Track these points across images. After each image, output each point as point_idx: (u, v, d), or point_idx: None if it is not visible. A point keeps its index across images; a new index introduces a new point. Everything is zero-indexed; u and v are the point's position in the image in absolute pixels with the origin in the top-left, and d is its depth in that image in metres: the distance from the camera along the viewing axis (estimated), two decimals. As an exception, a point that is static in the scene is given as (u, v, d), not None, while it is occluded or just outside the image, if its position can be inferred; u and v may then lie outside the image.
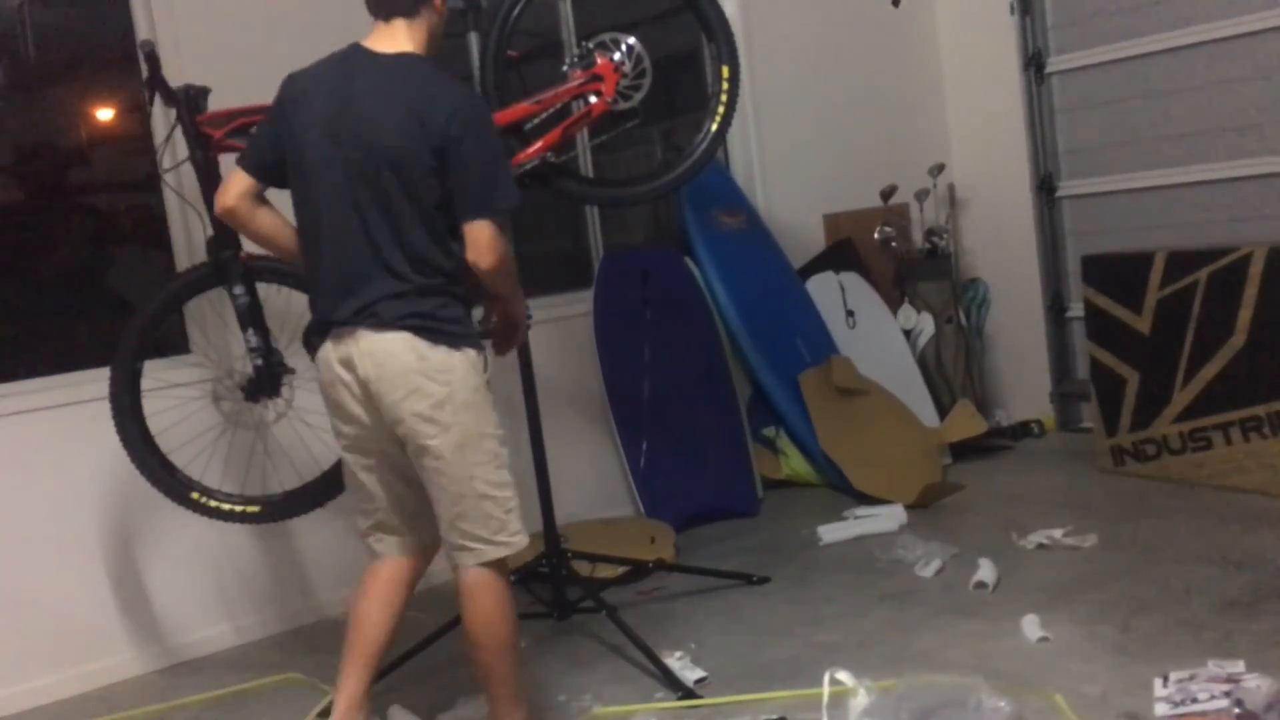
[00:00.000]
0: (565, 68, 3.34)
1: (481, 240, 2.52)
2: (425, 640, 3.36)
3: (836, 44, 5.56)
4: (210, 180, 3.09)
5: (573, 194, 3.52)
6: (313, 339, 2.66)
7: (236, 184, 2.66)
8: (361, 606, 2.73)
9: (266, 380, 3.15)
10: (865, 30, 5.66)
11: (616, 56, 3.29)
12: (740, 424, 4.84)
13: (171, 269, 3.90)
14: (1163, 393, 4.45)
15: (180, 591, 3.79)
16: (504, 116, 3.20)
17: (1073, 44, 5.32)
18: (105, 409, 3.68)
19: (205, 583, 3.84)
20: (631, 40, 3.30)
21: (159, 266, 3.94)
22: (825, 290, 5.31)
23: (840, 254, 5.45)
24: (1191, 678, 2.69)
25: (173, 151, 3.46)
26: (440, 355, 2.50)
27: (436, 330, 2.51)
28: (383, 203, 2.51)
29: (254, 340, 3.13)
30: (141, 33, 3.79)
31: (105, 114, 4.07)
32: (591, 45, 3.32)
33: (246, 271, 3.16)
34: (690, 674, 3.09)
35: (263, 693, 3.41)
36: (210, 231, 3.14)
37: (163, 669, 3.71)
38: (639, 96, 3.32)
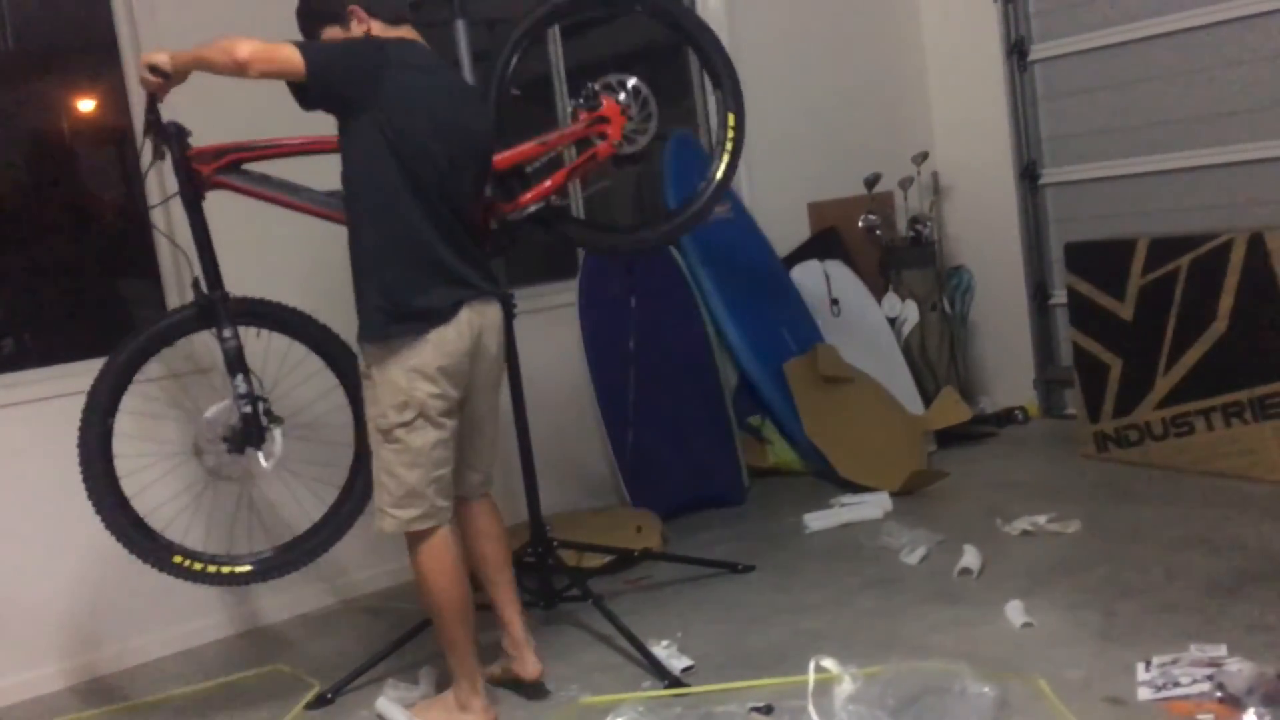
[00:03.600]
0: (570, 107, 3.28)
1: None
2: (411, 631, 3.35)
3: (820, 32, 5.56)
4: (199, 217, 3.04)
5: (574, 239, 3.45)
6: (395, 326, 2.70)
7: (285, 63, 2.63)
8: (458, 572, 2.85)
9: (255, 429, 3.01)
10: (849, 19, 5.66)
11: (622, 98, 3.23)
12: (726, 413, 4.85)
13: (154, 263, 3.89)
14: (1145, 379, 4.47)
15: (164, 586, 3.77)
16: (507, 159, 3.14)
17: (1055, 31, 5.33)
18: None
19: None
20: (636, 81, 3.24)
21: (142, 260, 3.93)
22: (810, 278, 5.31)
23: (825, 242, 5.45)
24: (1174, 662, 2.71)
25: (160, 183, 3.44)
26: None
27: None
28: (468, 189, 2.83)
29: (243, 386, 2.99)
30: (121, 28, 3.77)
31: (86, 105, 4.05)
32: (597, 86, 3.25)
33: (236, 314, 3.05)
34: (677, 662, 3.09)
35: (248, 685, 3.41)
36: (198, 271, 3.04)
37: (147, 662, 3.71)
38: (644, 140, 3.26)
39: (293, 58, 2.61)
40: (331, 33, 2.81)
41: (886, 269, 5.51)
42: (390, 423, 2.73)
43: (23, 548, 3.56)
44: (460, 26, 3.41)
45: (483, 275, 2.87)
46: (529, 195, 3.18)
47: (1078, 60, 5.26)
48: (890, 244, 5.53)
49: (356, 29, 2.78)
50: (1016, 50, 5.43)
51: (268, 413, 3.03)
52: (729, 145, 3.47)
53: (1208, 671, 2.61)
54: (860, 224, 5.50)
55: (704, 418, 4.78)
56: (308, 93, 2.67)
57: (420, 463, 2.75)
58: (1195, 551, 3.51)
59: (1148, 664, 2.73)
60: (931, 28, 5.84)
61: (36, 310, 3.89)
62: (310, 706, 3.16)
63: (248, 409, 2.99)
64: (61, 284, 3.97)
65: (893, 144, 5.63)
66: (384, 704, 3.01)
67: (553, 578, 3.58)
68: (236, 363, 3.00)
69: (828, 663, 2.68)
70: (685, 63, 5.36)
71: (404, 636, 3.34)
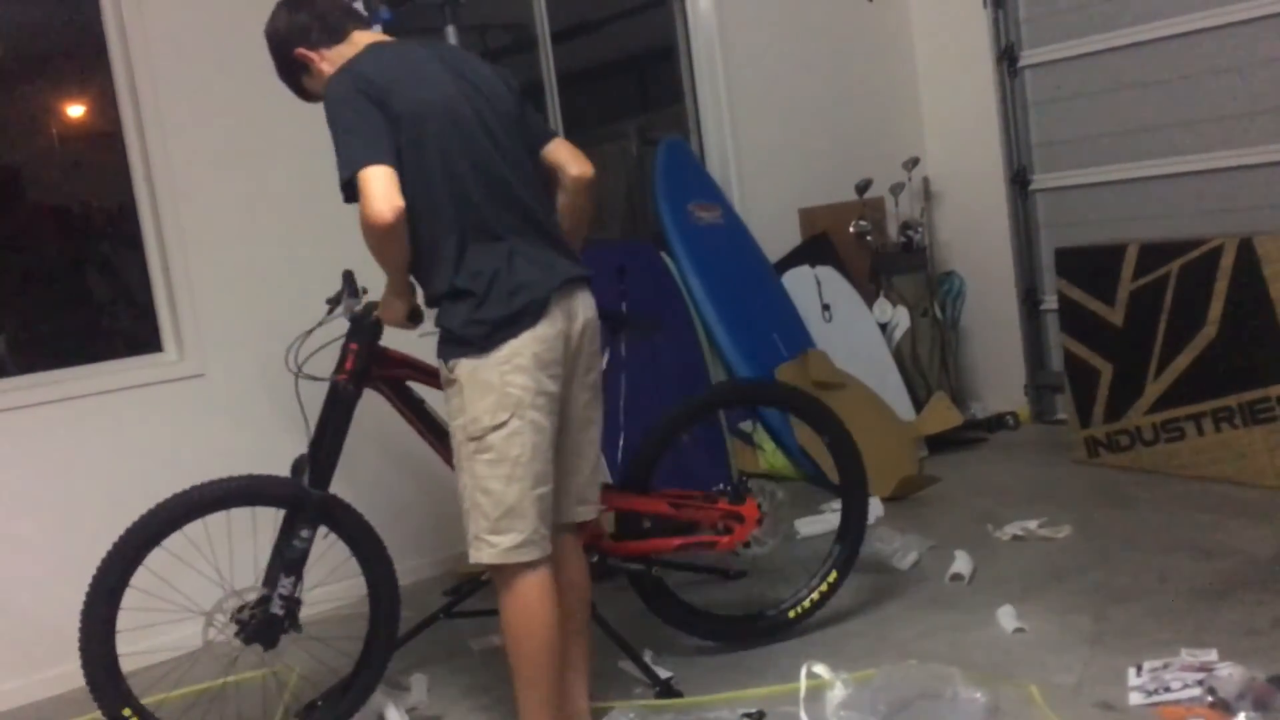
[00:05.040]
0: (715, 488, 3.23)
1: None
2: (403, 638, 3.34)
3: (811, 39, 5.57)
4: (347, 411, 2.83)
5: (671, 619, 3.25)
6: (508, 330, 2.45)
7: (389, 179, 2.34)
8: (555, 619, 2.54)
9: (274, 633, 2.81)
10: (840, 25, 5.67)
11: (765, 505, 3.22)
12: (717, 418, 4.84)
13: (144, 269, 3.88)
14: (1135, 384, 4.48)
15: (155, 592, 3.75)
16: (637, 503, 3.07)
17: (1045, 38, 5.35)
18: (84, 408, 3.66)
19: (176, 584, 3.80)
20: (782, 493, 3.28)
21: (134, 265, 3.92)
22: (801, 284, 5.31)
23: (816, 248, 5.46)
24: (1165, 667, 2.71)
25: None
26: None
27: None
28: (522, 163, 2.60)
29: (288, 589, 2.78)
30: (110, 32, 3.76)
31: (75, 109, 4.04)
32: (750, 483, 3.24)
33: (328, 518, 2.83)
34: (663, 671, 3.08)
35: (235, 690, 3.39)
36: (307, 450, 2.82)
37: (139, 669, 3.68)
38: (758, 550, 3.23)
39: (382, 173, 2.35)
40: (308, 83, 2.67)
41: (877, 274, 5.52)
42: (483, 427, 2.44)
43: (14, 554, 3.56)
44: (450, 33, 3.41)
45: (564, 255, 2.60)
46: (641, 546, 3.16)
47: (1068, 66, 5.28)
48: (881, 249, 5.54)
49: (321, 67, 2.59)
50: (1007, 56, 5.44)
51: (291, 617, 2.82)
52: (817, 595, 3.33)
53: (1199, 676, 2.61)
54: (851, 229, 5.51)
55: (702, 444, 4.76)
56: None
57: (519, 475, 2.44)
58: (1186, 556, 3.52)
59: (1139, 669, 2.73)
60: (922, 34, 5.85)
61: (23, 316, 3.87)
62: (300, 716, 3.14)
63: (279, 611, 2.79)
64: (49, 290, 3.95)
65: (884, 150, 5.64)
66: (391, 711, 3.00)
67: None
68: (296, 565, 2.80)
69: (819, 669, 2.69)
70: (676, 68, 5.37)
71: (396, 643, 3.32)
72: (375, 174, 2.32)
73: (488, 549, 2.47)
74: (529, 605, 2.48)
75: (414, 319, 2.70)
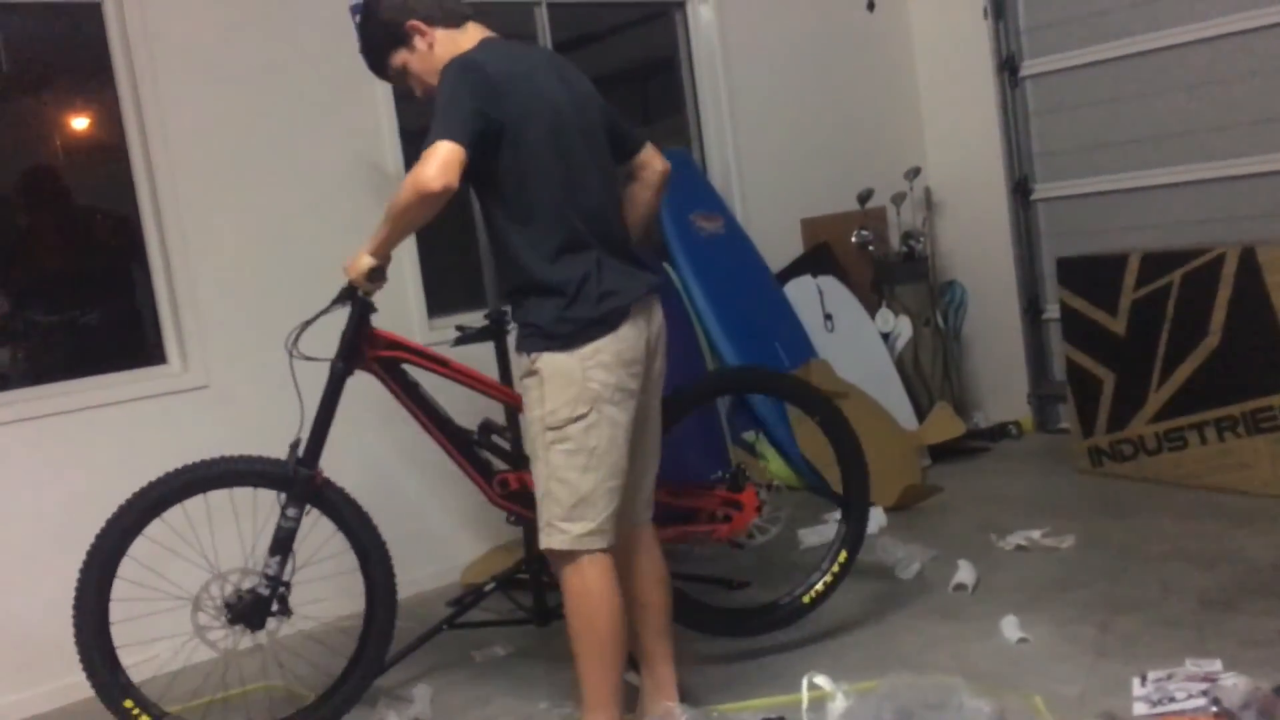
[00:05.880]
0: (713, 476, 3.22)
1: None
2: (409, 646, 3.34)
3: (812, 49, 5.58)
4: (337, 391, 2.88)
5: (681, 618, 3.14)
6: (595, 331, 2.53)
7: (455, 159, 2.39)
8: (620, 606, 2.61)
9: (261, 614, 2.84)
10: (840, 35, 5.68)
11: (764, 493, 3.20)
12: (720, 428, 4.84)
13: (146, 276, 3.89)
14: (1138, 393, 4.48)
15: (155, 604, 3.75)
16: None
17: (1046, 48, 5.36)
18: (88, 419, 3.65)
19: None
20: (779, 482, 3.28)
21: (138, 276, 3.93)
22: (803, 294, 5.32)
23: (818, 258, 5.46)
24: (1169, 677, 2.71)
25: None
26: None
27: None
28: (609, 176, 2.71)
29: (274, 568, 2.82)
30: (115, 46, 3.78)
31: (80, 123, 4.05)
32: (747, 471, 3.22)
33: (314, 496, 2.88)
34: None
35: (241, 701, 3.39)
36: (305, 435, 2.86)
37: (141, 681, 3.67)
38: (761, 539, 3.21)
39: (452, 150, 2.39)
40: (399, 58, 2.68)
41: (880, 284, 5.52)
42: (562, 418, 2.51)
43: (18, 565, 3.56)
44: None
45: (642, 267, 2.71)
46: None
47: (1069, 76, 5.29)
48: (883, 259, 5.54)
49: (421, 44, 2.64)
50: (1008, 66, 5.45)
51: (282, 601, 2.86)
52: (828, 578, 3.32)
53: (1203, 686, 2.61)
54: (853, 239, 5.52)
55: (698, 433, 4.77)
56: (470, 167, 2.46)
57: (595, 465, 2.53)
58: (1190, 566, 3.51)
59: (1143, 679, 2.72)
60: (923, 44, 5.87)
61: (29, 328, 3.88)
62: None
63: (265, 592, 2.82)
64: (55, 302, 3.96)
65: (885, 160, 5.65)
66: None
67: (547, 594, 3.57)
68: (283, 544, 2.83)
69: (821, 679, 2.68)
70: (677, 78, 5.38)
71: (399, 653, 3.33)
72: (446, 148, 2.38)
73: (559, 535, 2.55)
74: (597, 591, 2.56)
75: (372, 278, 2.74)
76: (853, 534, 3.29)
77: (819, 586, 3.26)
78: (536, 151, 2.53)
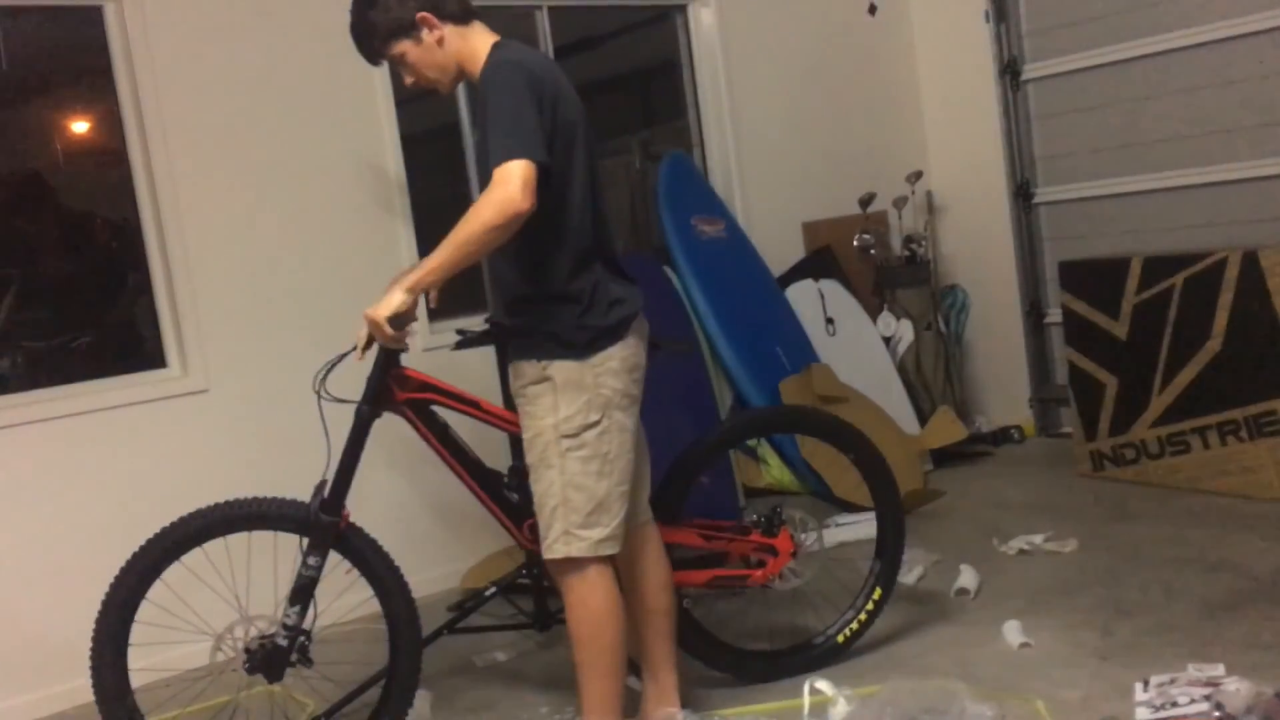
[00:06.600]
0: (748, 520, 3.15)
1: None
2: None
3: (814, 52, 5.58)
4: (363, 434, 2.76)
5: (709, 659, 3.15)
6: (606, 339, 2.56)
7: (531, 178, 2.35)
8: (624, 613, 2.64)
9: (279, 665, 2.74)
10: (842, 39, 5.68)
11: (799, 537, 3.14)
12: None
13: (146, 279, 3.89)
14: (1140, 397, 4.47)
15: (159, 610, 3.75)
16: (666, 534, 2.93)
17: (1048, 51, 5.36)
18: (88, 424, 3.63)
19: (182, 600, 3.80)
20: (820, 531, 3.22)
21: (139, 281, 3.93)
22: (805, 298, 5.31)
23: (819, 262, 5.46)
24: (1172, 682, 2.70)
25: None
26: None
27: None
28: (603, 189, 2.71)
29: (294, 618, 2.71)
30: (115, 49, 3.78)
31: (80, 126, 4.05)
32: (783, 514, 3.14)
33: (338, 543, 2.76)
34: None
35: (240, 707, 3.38)
36: (329, 478, 2.75)
37: (144, 685, 3.67)
38: (794, 582, 3.15)
39: (532, 170, 2.35)
40: (399, 47, 2.58)
41: (881, 288, 5.52)
42: (578, 425, 2.52)
43: (20, 569, 3.55)
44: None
45: (629, 277, 2.74)
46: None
47: (1070, 80, 5.28)
48: (885, 263, 5.54)
49: (428, 37, 2.56)
50: (1009, 70, 5.45)
51: (303, 651, 2.75)
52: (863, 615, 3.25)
53: (1205, 691, 2.60)
54: (855, 243, 5.51)
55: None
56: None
57: (609, 471, 2.55)
58: (1192, 570, 3.50)
59: (1145, 684, 2.72)
60: (925, 48, 5.86)
61: (30, 332, 3.87)
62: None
63: (284, 642, 2.72)
64: (54, 306, 3.96)
65: (887, 164, 5.65)
66: None
67: (548, 599, 3.56)
68: (304, 592, 2.72)
69: (822, 684, 2.68)
70: (678, 82, 5.38)
71: (417, 677, 3.31)
72: (526, 168, 2.34)
73: (578, 543, 2.54)
74: (602, 600, 2.58)
75: (398, 324, 2.48)
76: (887, 573, 3.26)
77: (854, 625, 3.22)
78: (573, 159, 2.53)
